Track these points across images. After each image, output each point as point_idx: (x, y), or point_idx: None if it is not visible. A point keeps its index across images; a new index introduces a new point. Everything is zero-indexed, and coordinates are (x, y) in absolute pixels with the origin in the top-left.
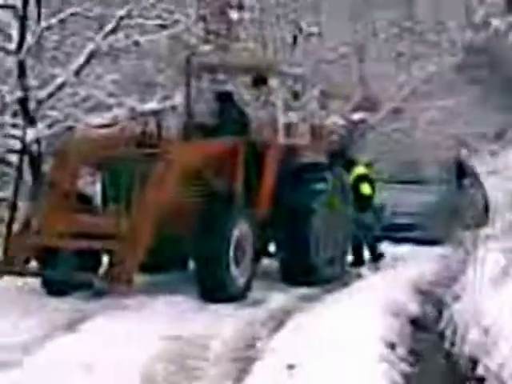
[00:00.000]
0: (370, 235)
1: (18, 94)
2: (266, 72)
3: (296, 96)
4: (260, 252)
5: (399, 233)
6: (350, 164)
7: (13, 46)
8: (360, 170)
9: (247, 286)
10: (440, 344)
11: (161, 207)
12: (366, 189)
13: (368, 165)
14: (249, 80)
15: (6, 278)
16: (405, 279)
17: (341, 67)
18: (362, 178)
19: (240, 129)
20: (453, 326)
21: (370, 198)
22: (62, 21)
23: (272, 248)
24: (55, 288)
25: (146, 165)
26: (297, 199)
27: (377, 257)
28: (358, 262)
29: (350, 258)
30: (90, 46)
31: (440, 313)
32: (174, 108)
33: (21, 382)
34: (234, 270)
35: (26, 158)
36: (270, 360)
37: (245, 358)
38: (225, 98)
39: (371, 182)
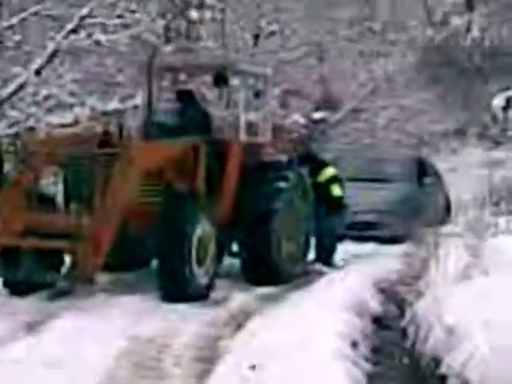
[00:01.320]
0: (333, 237)
1: None
2: (228, 71)
3: (257, 95)
4: (222, 251)
5: (361, 231)
6: (319, 165)
7: None
8: (330, 171)
9: (209, 286)
10: (402, 342)
11: (122, 206)
12: (336, 190)
13: (334, 165)
14: (210, 79)
15: None
16: (367, 277)
17: (301, 66)
18: (333, 180)
19: (201, 128)
20: (415, 324)
21: (341, 199)
22: (23, 20)
23: (235, 247)
24: (17, 288)
25: (108, 164)
26: (258, 198)
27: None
28: (320, 258)
29: (311, 255)
30: (51, 46)
31: (402, 311)
32: (135, 107)
33: None
34: (196, 269)
35: None
36: (232, 360)
37: (206, 358)
38: (186, 97)
39: (340, 183)
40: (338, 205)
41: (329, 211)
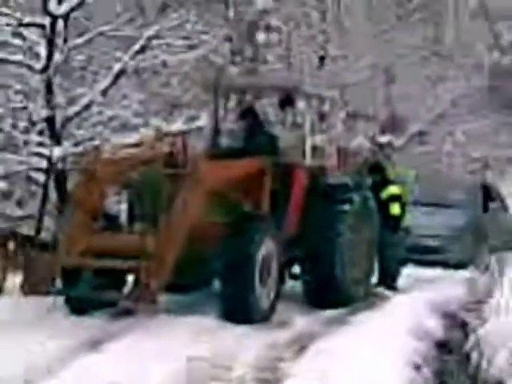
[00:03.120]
0: (394, 259)
1: (45, 112)
2: (293, 93)
3: (322, 117)
4: (284, 273)
5: (425, 255)
6: (384, 182)
7: (40, 64)
8: (393, 189)
9: (272, 308)
10: (466, 367)
11: (187, 227)
12: (395, 209)
13: (401, 185)
14: (276, 101)
15: (30, 298)
16: (430, 302)
17: (367, 89)
18: (394, 198)
19: (267, 150)
20: (479, 349)
21: (398, 218)
22: (89, 40)
23: (297, 269)
24: (79, 306)
25: (173, 184)
26: (323, 221)
27: (392, 285)
28: (384, 282)
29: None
30: (118, 66)
31: (466, 336)
32: (199, 128)
33: None
34: (258, 290)
35: (51, 176)
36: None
37: (267, 380)
38: (250, 117)
39: (402, 203)
40: (395, 225)
41: (388, 230)
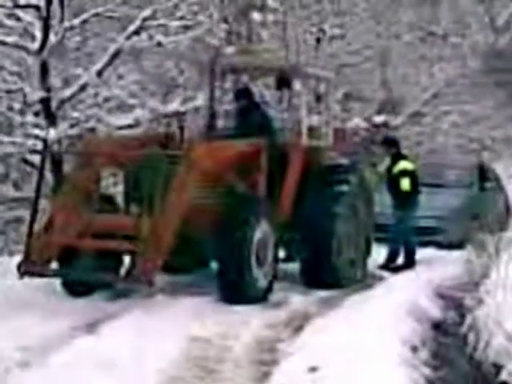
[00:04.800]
0: (410, 236)
1: (40, 94)
2: (289, 74)
3: (319, 98)
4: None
5: (421, 236)
6: (398, 156)
7: (36, 45)
8: (405, 164)
9: (268, 288)
10: (463, 348)
11: (183, 208)
12: (405, 184)
13: (414, 161)
14: (272, 82)
15: (27, 279)
16: (426, 283)
17: (363, 70)
18: (405, 173)
19: (263, 130)
20: (476, 330)
21: (408, 194)
22: (84, 21)
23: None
24: (76, 288)
25: (169, 166)
26: (319, 202)
27: (410, 263)
28: (390, 263)
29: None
30: (113, 47)
31: (462, 317)
32: (196, 109)
33: (43, 381)
34: (255, 271)
35: (47, 158)
36: (292, 362)
37: (266, 360)
38: (244, 97)
39: (413, 178)
40: (404, 201)
41: (398, 207)
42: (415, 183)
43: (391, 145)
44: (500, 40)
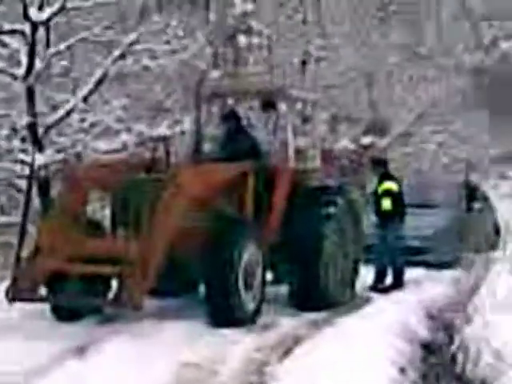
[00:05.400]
0: (396, 257)
1: (27, 119)
2: (275, 96)
3: (305, 120)
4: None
5: (409, 256)
6: (384, 176)
7: (21, 71)
8: (388, 184)
9: (257, 311)
10: (452, 368)
11: (170, 232)
12: (386, 204)
13: (400, 182)
14: (258, 105)
15: (16, 305)
16: (415, 303)
17: (350, 91)
18: (388, 193)
19: (249, 153)
20: (464, 349)
21: (389, 213)
22: (70, 46)
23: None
24: (65, 313)
25: (155, 190)
26: (307, 224)
27: (398, 284)
28: (378, 284)
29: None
30: (99, 72)
31: (451, 337)
32: (182, 133)
33: None
34: (243, 294)
35: (34, 183)
36: None
37: (255, 383)
38: (232, 120)
39: (396, 199)
40: (385, 221)
41: (380, 225)
42: (399, 204)
43: (379, 164)
44: (487, 59)
